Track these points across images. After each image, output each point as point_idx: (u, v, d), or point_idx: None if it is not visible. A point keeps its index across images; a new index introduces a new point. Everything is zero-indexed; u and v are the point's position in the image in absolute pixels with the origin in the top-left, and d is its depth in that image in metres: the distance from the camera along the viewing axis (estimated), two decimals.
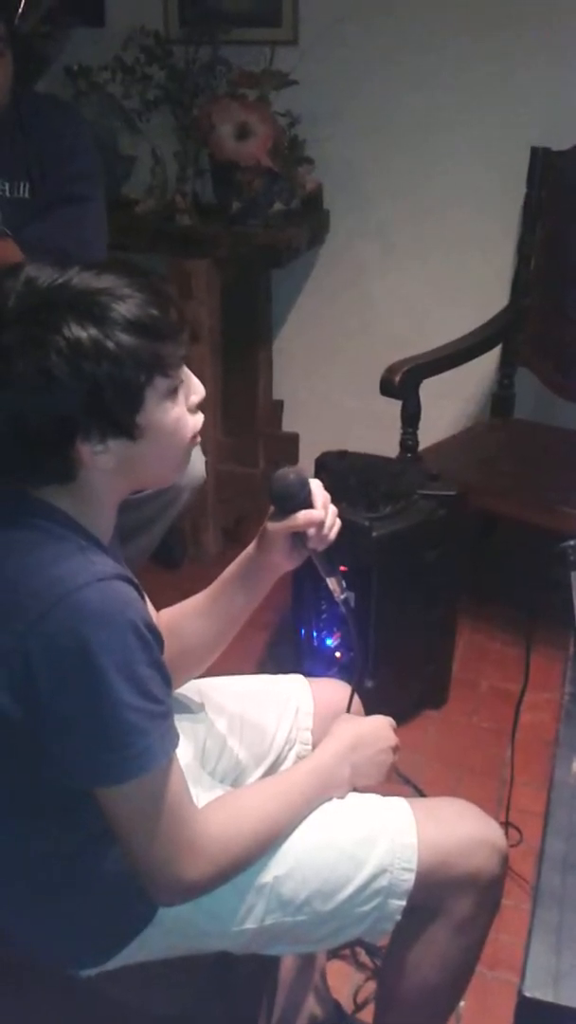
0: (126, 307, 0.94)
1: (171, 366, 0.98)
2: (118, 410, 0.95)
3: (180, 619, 1.26)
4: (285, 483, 1.16)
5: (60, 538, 0.98)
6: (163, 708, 0.97)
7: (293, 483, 1.16)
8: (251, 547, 1.22)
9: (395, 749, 1.23)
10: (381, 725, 1.23)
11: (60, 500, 1.00)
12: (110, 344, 0.92)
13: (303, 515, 1.17)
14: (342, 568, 1.25)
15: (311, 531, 1.18)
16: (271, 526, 1.18)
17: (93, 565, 0.96)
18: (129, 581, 0.99)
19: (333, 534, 1.20)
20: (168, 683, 1.00)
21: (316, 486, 1.19)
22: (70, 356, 0.91)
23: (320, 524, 1.17)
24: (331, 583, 1.24)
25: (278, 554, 1.20)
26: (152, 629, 0.98)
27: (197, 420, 1.06)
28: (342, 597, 1.24)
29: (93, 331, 0.92)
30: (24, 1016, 1.14)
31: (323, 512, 1.18)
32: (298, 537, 1.19)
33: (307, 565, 1.24)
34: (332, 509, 1.20)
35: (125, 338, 0.93)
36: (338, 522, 1.20)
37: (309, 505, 1.17)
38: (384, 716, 1.25)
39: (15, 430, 0.94)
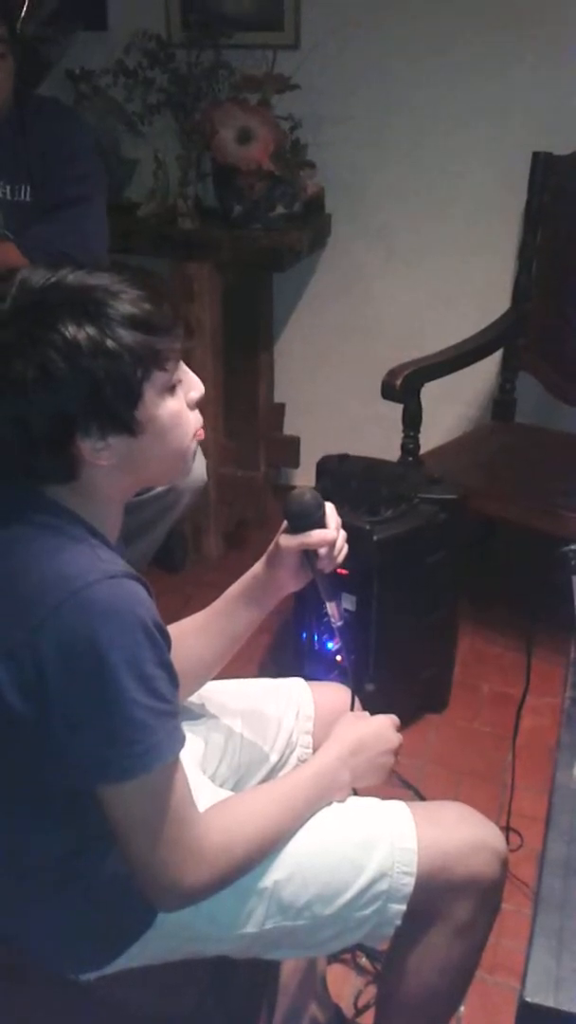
0: (121, 303, 0.94)
1: (168, 360, 0.99)
2: (117, 406, 0.95)
3: (179, 638, 1.25)
4: (302, 502, 1.20)
5: (70, 536, 0.98)
6: (170, 707, 0.97)
7: (310, 503, 1.20)
8: (258, 565, 1.25)
9: (396, 751, 1.22)
10: (383, 726, 1.23)
11: (67, 499, 1.00)
12: (107, 340, 0.93)
13: (317, 534, 1.20)
14: (343, 572, 1.27)
15: (322, 551, 1.21)
16: (284, 541, 1.21)
17: (103, 563, 0.96)
18: (139, 580, 0.99)
19: (341, 557, 1.23)
20: (176, 684, 1.00)
21: (330, 509, 1.22)
22: (68, 353, 0.91)
23: (332, 544, 1.21)
24: (331, 607, 1.27)
25: (286, 571, 1.23)
26: (161, 629, 0.98)
27: (197, 417, 1.06)
28: (339, 624, 1.27)
29: (90, 327, 0.92)
30: (24, 1018, 1.13)
31: (336, 533, 1.21)
32: (306, 557, 1.22)
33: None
34: (343, 533, 1.23)
35: (121, 333, 0.93)
36: (346, 547, 1.23)
37: (323, 525, 1.21)
38: (388, 715, 1.24)
39: (16, 430, 0.94)
